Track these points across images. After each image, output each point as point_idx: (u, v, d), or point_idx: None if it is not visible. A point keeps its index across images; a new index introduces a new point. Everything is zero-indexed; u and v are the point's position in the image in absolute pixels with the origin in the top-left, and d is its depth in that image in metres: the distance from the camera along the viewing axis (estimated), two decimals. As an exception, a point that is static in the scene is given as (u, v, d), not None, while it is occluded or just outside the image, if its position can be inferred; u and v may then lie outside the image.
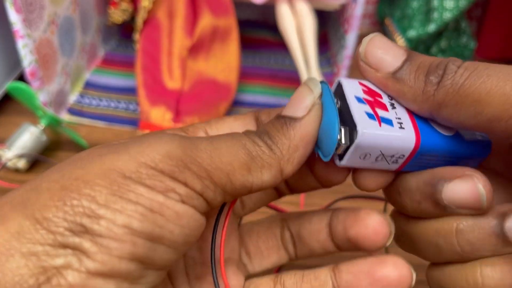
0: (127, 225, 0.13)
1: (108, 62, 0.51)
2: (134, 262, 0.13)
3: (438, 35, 0.53)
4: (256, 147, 0.15)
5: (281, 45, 0.56)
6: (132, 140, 0.15)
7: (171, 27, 0.44)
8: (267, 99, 0.47)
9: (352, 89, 0.16)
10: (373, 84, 0.17)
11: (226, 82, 0.43)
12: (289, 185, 0.20)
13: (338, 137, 0.15)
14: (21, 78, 0.42)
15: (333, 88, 0.17)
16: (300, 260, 0.22)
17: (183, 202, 0.14)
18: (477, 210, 0.15)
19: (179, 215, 0.14)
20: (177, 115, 0.39)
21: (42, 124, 0.37)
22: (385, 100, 0.16)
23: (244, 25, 0.59)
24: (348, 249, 0.19)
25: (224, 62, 0.44)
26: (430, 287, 0.18)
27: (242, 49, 0.45)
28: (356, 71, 0.58)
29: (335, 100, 0.16)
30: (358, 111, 0.15)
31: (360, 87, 0.16)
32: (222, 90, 0.43)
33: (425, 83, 0.15)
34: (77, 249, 0.12)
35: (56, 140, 0.40)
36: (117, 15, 0.47)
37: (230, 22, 0.44)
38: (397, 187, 0.17)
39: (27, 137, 0.36)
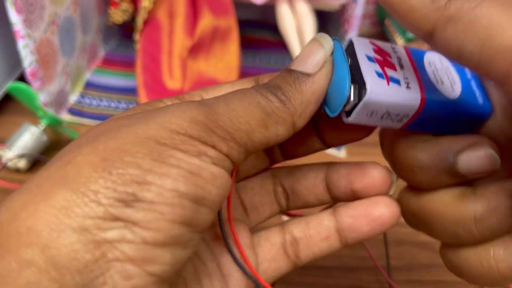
0: (175, 188, 0.13)
1: (109, 62, 0.51)
2: (184, 225, 0.13)
3: (438, 35, 0.53)
4: (270, 103, 0.16)
5: (281, 45, 0.56)
6: (152, 111, 0.15)
7: (172, 27, 0.44)
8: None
9: (363, 48, 0.17)
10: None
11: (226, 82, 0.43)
12: (285, 150, 0.21)
13: (347, 94, 0.15)
14: (22, 78, 0.42)
15: (344, 46, 0.17)
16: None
17: (215, 164, 0.14)
18: (493, 173, 0.16)
19: (214, 176, 0.14)
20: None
21: (43, 124, 0.37)
22: (394, 59, 0.17)
23: (244, 25, 0.59)
24: (348, 199, 0.20)
25: (224, 62, 0.44)
26: (445, 266, 0.19)
27: (242, 49, 0.45)
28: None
29: (346, 58, 0.16)
30: (368, 69, 0.16)
31: (371, 46, 0.17)
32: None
33: None
34: (128, 221, 0.12)
35: (56, 140, 0.40)
36: (118, 15, 0.47)
37: (230, 22, 0.44)
38: (410, 165, 0.17)
39: (28, 137, 0.36)
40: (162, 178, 0.13)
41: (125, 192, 0.12)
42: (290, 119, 0.16)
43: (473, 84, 0.18)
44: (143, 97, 0.41)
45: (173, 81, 0.42)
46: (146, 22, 0.45)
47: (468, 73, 0.18)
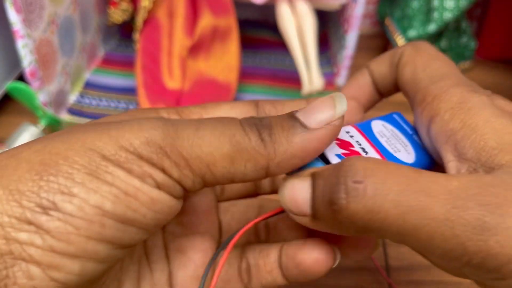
0: (99, 205, 0.13)
1: (108, 62, 0.51)
2: (103, 243, 0.13)
3: (438, 35, 0.53)
4: (246, 141, 0.14)
5: (281, 45, 0.56)
6: (116, 120, 0.15)
7: (171, 27, 0.44)
8: (268, 98, 0.47)
9: (330, 148, 0.16)
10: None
11: (226, 82, 0.43)
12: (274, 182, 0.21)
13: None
14: (21, 78, 0.42)
15: None
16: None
17: (159, 188, 0.14)
18: None
19: (153, 201, 0.14)
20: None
21: (42, 124, 0.37)
22: (357, 147, 0.17)
23: (244, 25, 0.59)
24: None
25: (224, 62, 0.44)
26: None
27: (242, 49, 0.45)
28: (354, 71, 0.58)
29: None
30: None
31: (335, 142, 0.17)
32: (222, 90, 0.43)
33: None
34: (41, 228, 0.13)
35: (56, 140, 0.40)
36: (117, 15, 0.47)
37: (230, 22, 0.44)
38: None
39: (27, 137, 0.36)
40: (89, 193, 0.13)
41: (47, 199, 0.13)
42: (264, 162, 0.15)
43: (415, 138, 0.19)
44: (142, 97, 0.41)
45: (172, 81, 0.42)
46: (145, 22, 0.44)
47: (407, 128, 0.19)
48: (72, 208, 0.13)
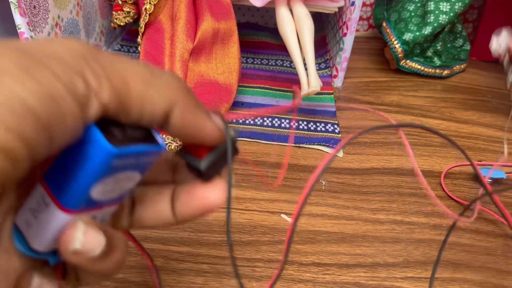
0: (25, 99, 0.12)
1: (110, 64, 0.52)
2: (20, 140, 0.12)
3: (434, 37, 0.54)
4: (160, 70, 0.15)
5: (280, 48, 0.57)
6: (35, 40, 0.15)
7: (173, 30, 0.44)
8: (267, 100, 0.48)
9: None
10: None
11: (226, 83, 0.44)
12: (133, 217, 0.20)
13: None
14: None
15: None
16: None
17: (78, 101, 0.13)
18: None
19: (72, 114, 0.13)
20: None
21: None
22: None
23: (244, 28, 0.60)
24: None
25: (225, 64, 0.45)
26: None
27: (242, 52, 0.46)
28: (352, 74, 0.59)
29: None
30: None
31: None
32: (223, 92, 0.43)
33: None
34: None
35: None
36: (120, 18, 0.48)
37: (231, 25, 0.45)
38: None
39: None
40: (16, 84, 0.12)
41: None
42: (175, 95, 0.15)
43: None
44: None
45: (174, 83, 0.43)
46: (148, 25, 0.45)
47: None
48: None
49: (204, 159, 0.17)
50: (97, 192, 0.16)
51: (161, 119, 0.15)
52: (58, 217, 0.16)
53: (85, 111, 0.14)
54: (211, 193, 0.18)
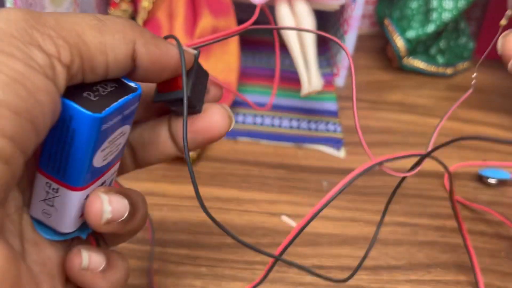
0: None
1: (109, 63, 0.51)
2: (4, 138, 0.12)
3: (437, 35, 0.53)
4: (105, 16, 0.15)
5: (281, 46, 0.56)
6: None
7: (171, 28, 0.44)
8: (267, 99, 0.47)
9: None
10: None
11: (226, 82, 0.44)
12: (136, 156, 0.20)
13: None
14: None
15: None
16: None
17: (43, 73, 0.13)
18: None
19: (38, 88, 0.12)
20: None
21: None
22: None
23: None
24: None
25: (224, 63, 0.44)
26: None
27: (242, 50, 0.45)
28: (356, 70, 0.58)
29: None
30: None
31: None
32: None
33: None
34: None
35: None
36: (117, 15, 0.47)
37: (230, 23, 0.44)
38: None
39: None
40: None
41: None
42: (131, 35, 0.15)
43: None
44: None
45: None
46: (146, 23, 0.45)
47: None
48: None
49: (183, 87, 0.17)
50: (98, 160, 0.16)
51: (127, 63, 0.15)
52: (74, 197, 0.16)
53: (54, 81, 0.13)
54: (212, 122, 0.18)
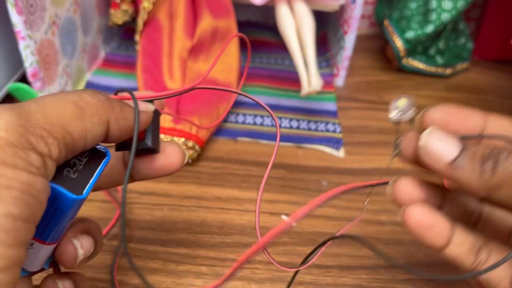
0: (9, 212, 0.13)
1: (109, 63, 0.52)
2: (20, 246, 0.14)
3: (436, 36, 0.53)
4: (83, 98, 0.17)
5: (281, 46, 0.56)
6: None
7: (172, 28, 0.44)
8: (267, 99, 0.48)
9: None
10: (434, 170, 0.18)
11: (226, 82, 0.44)
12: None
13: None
14: (24, 78, 0.42)
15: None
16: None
17: (40, 175, 0.14)
18: None
19: (40, 191, 0.14)
20: (177, 115, 0.40)
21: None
22: None
23: (244, 26, 0.60)
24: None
25: (224, 63, 0.44)
26: None
27: (242, 50, 0.45)
28: (353, 72, 0.58)
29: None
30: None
31: None
32: (222, 91, 0.43)
33: (481, 170, 0.17)
34: None
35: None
36: (118, 16, 0.47)
37: (230, 23, 0.44)
38: None
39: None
40: None
41: None
42: (105, 115, 0.17)
43: None
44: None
45: (173, 82, 0.42)
46: (146, 23, 0.45)
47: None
48: None
49: (146, 138, 0.20)
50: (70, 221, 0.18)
51: (101, 138, 0.17)
52: (47, 249, 0.18)
53: (47, 176, 0.15)
54: (169, 161, 0.21)
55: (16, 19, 0.35)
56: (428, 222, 0.19)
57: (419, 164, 0.20)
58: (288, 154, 0.41)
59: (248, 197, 0.36)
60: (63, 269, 0.21)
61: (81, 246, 0.19)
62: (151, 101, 0.20)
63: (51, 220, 0.17)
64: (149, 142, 0.20)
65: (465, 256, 0.19)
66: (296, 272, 0.27)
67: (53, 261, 0.20)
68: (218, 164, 0.39)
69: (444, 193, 0.21)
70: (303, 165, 0.39)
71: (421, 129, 0.20)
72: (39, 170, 0.14)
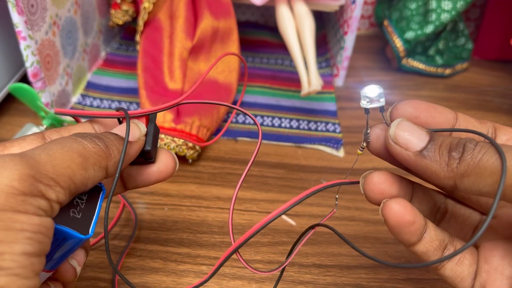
0: (25, 251, 0.15)
1: (110, 63, 0.52)
2: (36, 277, 0.16)
3: (436, 36, 0.53)
4: (87, 148, 0.18)
5: (281, 46, 0.56)
6: None
7: (172, 29, 0.44)
8: (267, 99, 0.48)
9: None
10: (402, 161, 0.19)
11: (226, 83, 0.44)
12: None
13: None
14: (25, 78, 0.43)
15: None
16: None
17: (47, 215, 0.16)
18: None
19: (48, 228, 0.16)
20: (178, 116, 0.40)
21: (44, 125, 0.37)
22: None
23: (244, 26, 0.60)
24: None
25: (225, 63, 0.44)
26: None
27: (242, 50, 0.45)
28: (353, 73, 0.58)
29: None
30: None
31: None
32: (222, 91, 0.43)
33: (448, 158, 0.17)
34: None
35: (58, 140, 0.40)
36: (118, 16, 0.47)
37: (230, 24, 0.44)
38: None
39: (30, 137, 0.36)
40: (12, 246, 0.15)
41: None
42: (104, 162, 0.19)
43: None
44: (143, 97, 0.41)
45: (173, 82, 0.42)
46: (146, 24, 0.45)
47: None
48: (6, 263, 0.15)
49: (147, 144, 0.22)
50: None
51: (101, 180, 0.19)
52: (45, 276, 0.20)
53: (52, 216, 0.17)
54: (163, 168, 0.23)
55: (17, 19, 0.35)
56: (408, 219, 0.19)
57: (387, 156, 0.20)
58: (288, 154, 0.41)
59: (248, 197, 0.36)
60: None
61: (78, 263, 0.21)
62: (149, 114, 0.22)
63: (57, 254, 0.19)
64: (148, 146, 0.22)
65: (432, 252, 0.20)
66: (282, 271, 0.28)
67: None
68: (218, 164, 0.39)
69: (413, 189, 0.21)
70: (303, 165, 0.40)
71: (391, 121, 0.20)
72: (47, 213, 0.16)
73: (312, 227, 0.24)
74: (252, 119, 0.23)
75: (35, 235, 0.16)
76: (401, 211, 0.19)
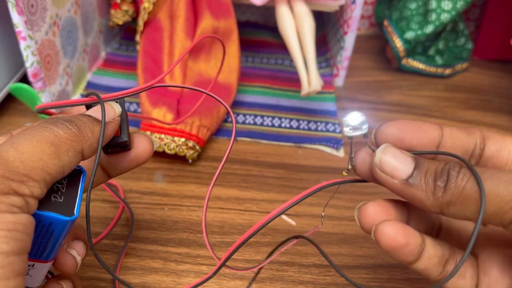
0: (1, 251, 0.15)
1: (110, 63, 0.52)
2: (19, 276, 0.15)
3: (436, 36, 0.53)
4: (58, 135, 0.17)
5: (281, 47, 0.56)
6: None
7: (172, 29, 0.44)
8: (267, 99, 0.48)
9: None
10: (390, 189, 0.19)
11: (226, 83, 0.44)
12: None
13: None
14: (25, 78, 0.43)
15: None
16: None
17: (23, 212, 0.16)
18: None
19: (26, 226, 0.16)
20: (178, 115, 0.40)
21: (45, 125, 0.37)
22: None
23: (244, 26, 0.60)
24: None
25: (225, 63, 0.44)
26: None
27: (242, 50, 0.45)
28: (353, 73, 0.58)
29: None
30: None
31: None
32: (222, 91, 0.43)
33: (434, 187, 0.17)
34: None
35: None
36: (118, 16, 0.47)
37: (230, 24, 0.44)
38: None
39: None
40: None
41: None
42: (79, 146, 0.18)
43: None
44: (143, 97, 0.41)
45: (173, 82, 0.42)
46: (146, 24, 0.45)
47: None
48: None
49: (122, 133, 0.22)
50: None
51: (78, 164, 0.19)
52: (46, 266, 0.20)
53: (29, 211, 0.16)
54: (140, 152, 0.22)
55: (17, 20, 0.35)
56: (401, 242, 0.19)
57: (373, 179, 0.20)
58: (288, 154, 0.41)
59: (248, 197, 0.36)
60: (56, 273, 0.22)
61: (77, 253, 0.21)
62: (118, 99, 0.22)
63: (49, 242, 0.19)
64: (125, 137, 0.22)
65: (432, 269, 0.19)
66: (259, 270, 0.28)
67: (48, 271, 0.21)
68: (218, 164, 0.39)
69: (409, 209, 0.21)
70: (303, 165, 0.40)
71: (376, 145, 0.20)
72: (22, 209, 0.16)
73: (295, 237, 0.24)
74: (228, 110, 0.23)
75: (10, 233, 0.15)
76: (393, 235, 0.19)
